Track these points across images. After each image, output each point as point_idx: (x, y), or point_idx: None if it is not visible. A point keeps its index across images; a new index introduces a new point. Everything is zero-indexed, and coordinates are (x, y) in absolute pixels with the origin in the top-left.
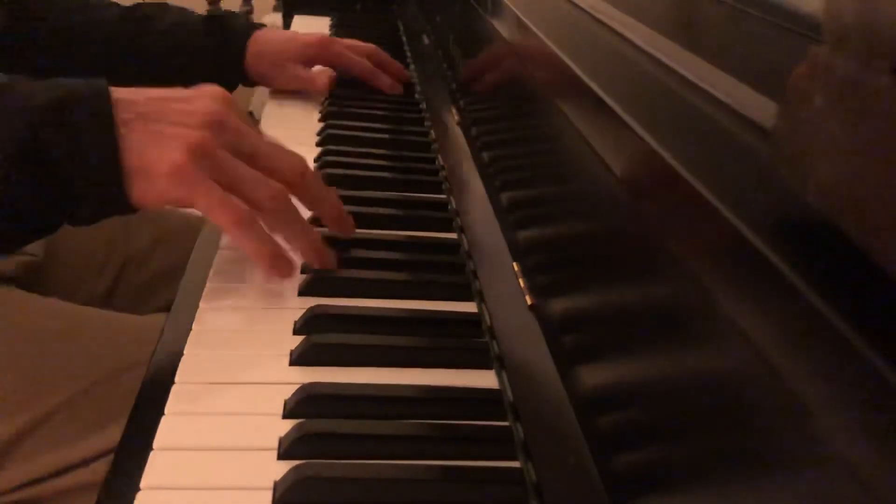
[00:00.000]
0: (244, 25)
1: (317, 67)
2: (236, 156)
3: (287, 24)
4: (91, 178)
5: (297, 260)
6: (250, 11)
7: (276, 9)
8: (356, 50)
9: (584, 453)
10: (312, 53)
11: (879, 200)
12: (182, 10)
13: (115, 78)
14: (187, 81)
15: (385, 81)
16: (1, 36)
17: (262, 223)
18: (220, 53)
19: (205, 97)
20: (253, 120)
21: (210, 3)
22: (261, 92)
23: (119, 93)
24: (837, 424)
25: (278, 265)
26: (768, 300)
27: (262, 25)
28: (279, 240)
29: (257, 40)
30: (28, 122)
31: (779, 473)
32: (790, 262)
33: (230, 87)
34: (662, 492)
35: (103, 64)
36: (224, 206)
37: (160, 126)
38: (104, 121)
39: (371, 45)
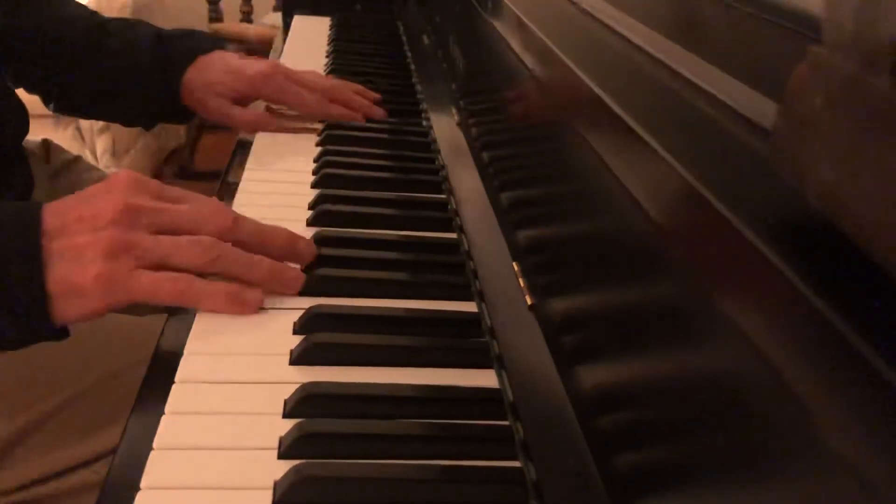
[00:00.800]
0: (189, 49)
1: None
2: (159, 232)
3: (287, 24)
4: (16, 311)
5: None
6: (250, 11)
7: (275, 8)
8: (310, 84)
9: (584, 453)
10: (248, 89)
11: (879, 200)
12: (145, 29)
13: (84, 95)
14: (142, 106)
15: (342, 114)
16: None
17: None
18: (161, 78)
19: (112, 190)
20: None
21: (210, 3)
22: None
23: (46, 212)
24: (837, 424)
25: (242, 304)
26: (768, 300)
27: (222, 48)
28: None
29: (196, 67)
30: None
31: (779, 474)
32: (790, 263)
33: (179, 116)
34: (662, 492)
35: (75, 78)
36: (159, 285)
37: (76, 239)
38: (29, 252)
39: (331, 81)
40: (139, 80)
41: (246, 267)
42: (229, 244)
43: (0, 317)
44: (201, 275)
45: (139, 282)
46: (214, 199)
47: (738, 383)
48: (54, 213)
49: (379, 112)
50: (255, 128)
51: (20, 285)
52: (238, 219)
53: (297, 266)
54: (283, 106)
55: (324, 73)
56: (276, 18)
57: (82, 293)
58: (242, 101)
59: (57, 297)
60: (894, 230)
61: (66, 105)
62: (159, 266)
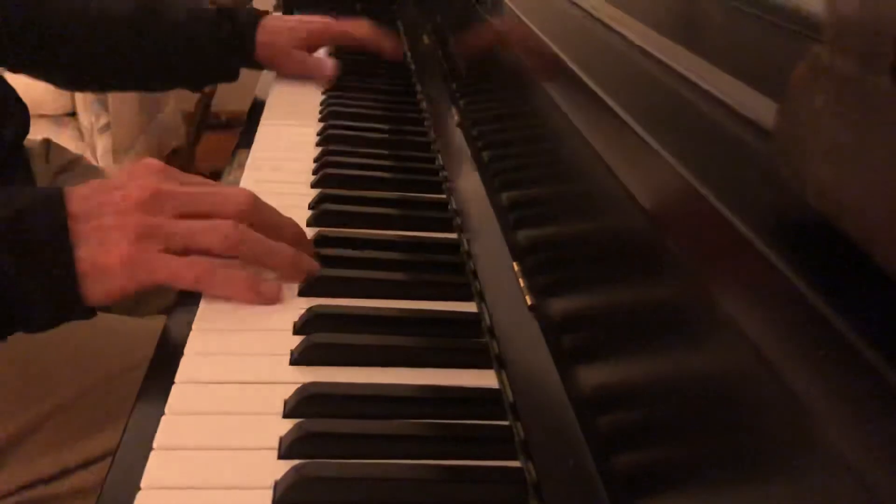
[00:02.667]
0: (252, 15)
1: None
2: (182, 217)
3: None
4: (48, 291)
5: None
6: None
7: (275, 8)
8: (356, 26)
9: (584, 453)
10: (317, 38)
11: (879, 200)
12: (191, 3)
13: (131, 72)
14: (200, 71)
15: (388, 46)
16: (19, 30)
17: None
18: (231, 44)
19: (137, 177)
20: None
21: (210, 3)
22: (262, 85)
23: (70, 197)
24: (837, 424)
25: (261, 294)
26: (768, 301)
27: (266, 12)
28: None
29: (265, 29)
30: None
31: (778, 474)
32: (790, 263)
33: (236, 71)
34: (662, 492)
35: (120, 58)
36: (182, 270)
37: (101, 221)
38: (60, 235)
39: (366, 22)
40: (204, 48)
41: (267, 253)
42: (251, 230)
43: (32, 298)
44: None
45: (163, 265)
46: (237, 187)
47: (737, 383)
48: (79, 198)
49: (400, 49)
50: (335, 72)
51: (51, 267)
52: (258, 203)
53: None
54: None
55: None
56: None
57: (109, 274)
58: (310, 48)
59: (85, 277)
60: (894, 230)
61: (101, 82)
62: (183, 249)
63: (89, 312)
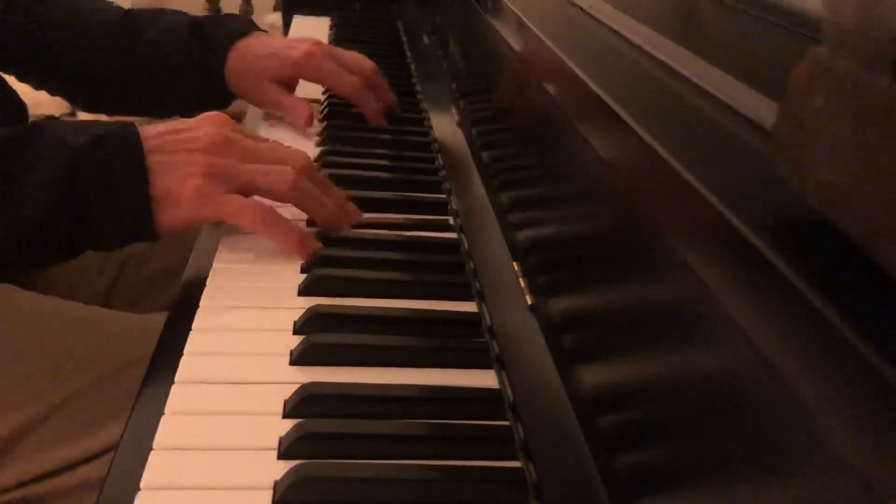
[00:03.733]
0: (227, 36)
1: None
2: (245, 161)
3: (287, 24)
4: (123, 210)
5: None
6: (250, 12)
7: (276, 8)
8: (350, 65)
9: (584, 453)
10: (294, 73)
11: (879, 200)
12: (175, 17)
13: (112, 87)
14: (176, 93)
15: (372, 108)
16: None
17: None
18: (201, 67)
19: (206, 124)
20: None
21: (209, 3)
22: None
23: (145, 130)
24: (837, 424)
25: (305, 246)
26: (768, 300)
27: (256, 29)
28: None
29: (238, 54)
30: (66, 160)
31: (778, 474)
32: (790, 263)
33: (220, 103)
34: (662, 492)
35: (102, 70)
36: (245, 209)
37: (175, 156)
38: (136, 159)
39: (371, 64)
40: (178, 72)
41: (318, 203)
42: (307, 181)
43: (108, 218)
44: None
45: (229, 202)
46: (294, 148)
47: (737, 383)
48: (154, 133)
49: (395, 108)
50: (309, 122)
51: (128, 189)
52: (313, 163)
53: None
54: (320, 86)
55: None
56: (276, 18)
57: (178, 204)
58: (288, 83)
59: (158, 203)
60: (894, 230)
61: (96, 102)
62: (247, 189)
63: (156, 236)
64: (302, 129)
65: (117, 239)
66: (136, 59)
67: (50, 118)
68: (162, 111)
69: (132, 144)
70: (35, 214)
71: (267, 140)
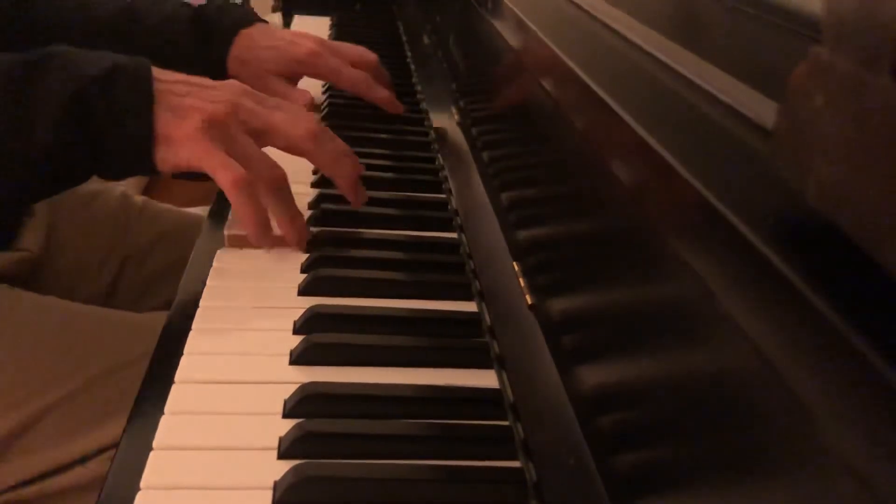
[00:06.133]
0: (232, 23)
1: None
2: (249, 133)
3: (287, 24)
4: (127, 141)
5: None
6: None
7: (275, 9)
8: (354, 60)
9: (584, 453)
10: (299, 70)
11: (880, 200)
12: (176, 6)
13: None
14: None
15: (383, 95)
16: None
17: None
18: (202, 55)
19: (225, 87)
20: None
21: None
22: None
23: (156, 72)
24: (837, 424)
25: (262, 234)
26: (769, 300)
27: (259, 20)
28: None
29: (242, 43)
30: (78, 87)
31: (778, 474)
32: (791, 262)
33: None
34: (662, 492)
35: None
36: (226, 167)
37: (184, 100)
38: (144, 95)
39: (374, 56)
40: (179, 59)
41: (285, 209)
42: (288, 187)
43: (113, 148)
44: None
45: (215, 154)
46: (307, 114)
47: (737, 383)
48: (171, 79)
49: (398, 107)
50: (309, 108)
51: (132, 124)
52: (318, 139)
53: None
54: (325, 82)
55: None
56: (276, 18)
57: (173, 144)
58: (290, 78)
59: (158, 141)
60: (894, 229)
61: None
62: (240, 156)
63: (155, 172)
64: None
65: (119, 169)
66: (135, 47)
67: None
68: None
69: (142, 80)
70: (46, 137)
71: (280, 103)
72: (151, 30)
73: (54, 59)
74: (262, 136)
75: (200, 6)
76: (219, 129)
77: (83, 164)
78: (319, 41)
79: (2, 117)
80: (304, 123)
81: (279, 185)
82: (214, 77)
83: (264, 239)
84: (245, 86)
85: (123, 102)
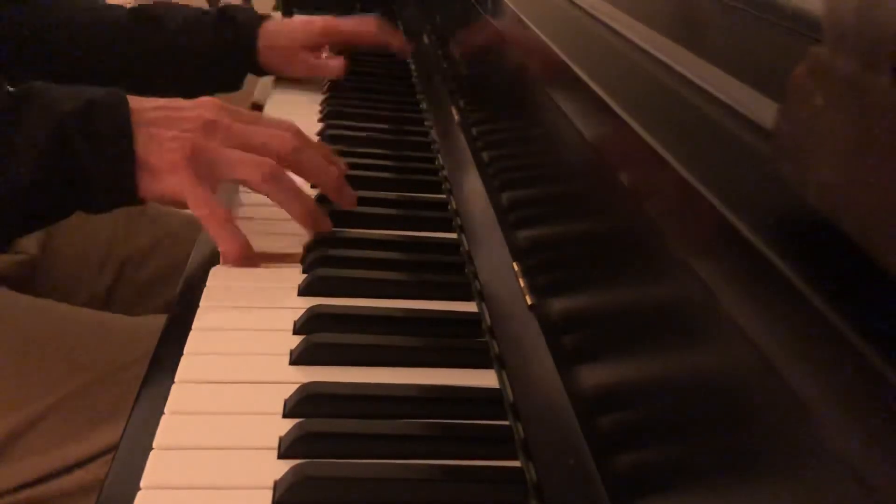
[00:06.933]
0: (253, 18)
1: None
2: (229, 147)
3: None
4: (109, 174)
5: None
6: None
7: (275, 8)
8: (360, 21)
9: (584, 453)
10: (322, 39)
11: (880, 200)
12: (189, 9)
13: (127, 80)
14: (200, 79)
15: (395, 38)
16: (9, 41)
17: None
18: (231, 49)
19: (198, 107)
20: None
21: (209, 4)
22: (262, 88)
23: (132, 101)
24: (837, 424)
25: (244, 261)
26: (769, 300)
27: (266, 17)
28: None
29: (266, 33)
30: (56, 125)
31: (779, 474)
32: (791, 262)
33: (239, 80)
34: (663, 492)
35: (116, 65)
36: (203, 205)
37: (162, 131)
38: (123, 127)
39: (372, 17)
40: (205, 56)
41: (290, 199)
42: (285, 175)
43: (96, 181)
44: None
45: (194, 188)
46: (287, 122)
47: (738, 383)
48: (148, 107)
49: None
50: (344, 70)
51: (114, 154)
52: (299, 149)
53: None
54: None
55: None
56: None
57: (158, 175)
58: (314, 50)
59: (141, 171)
60: (894, 229)
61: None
62: (220, 175)
63: (140, 202)
64: (339, 75)
65: (104, 200)
66: (157, 51)
67: None
68: (167, 94)
69: (120, 113)
70: (26, 176)
71: (257, 117)
72: (176, 32)
73: (32, 97)
74: (242, 147)
75: (218, 9)
76: (202, 155)
77: (65, 200)
78: (325, 17)
79: None
80: (282, 135)
81: (271, 179)
82: (242, 69)
83: (248, 263)
84: (220, 101)
85: (103, 134)
